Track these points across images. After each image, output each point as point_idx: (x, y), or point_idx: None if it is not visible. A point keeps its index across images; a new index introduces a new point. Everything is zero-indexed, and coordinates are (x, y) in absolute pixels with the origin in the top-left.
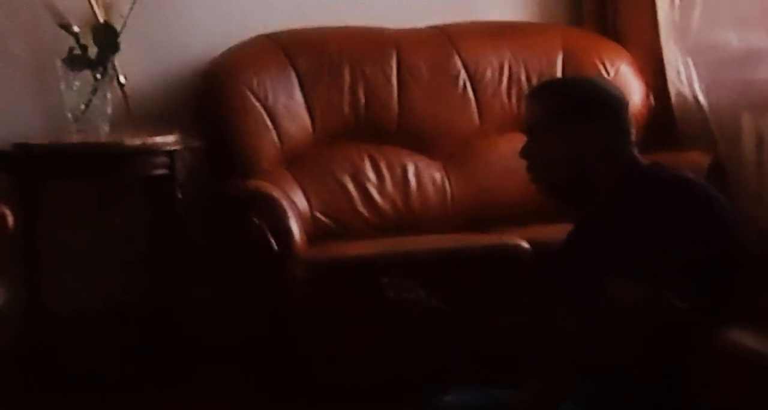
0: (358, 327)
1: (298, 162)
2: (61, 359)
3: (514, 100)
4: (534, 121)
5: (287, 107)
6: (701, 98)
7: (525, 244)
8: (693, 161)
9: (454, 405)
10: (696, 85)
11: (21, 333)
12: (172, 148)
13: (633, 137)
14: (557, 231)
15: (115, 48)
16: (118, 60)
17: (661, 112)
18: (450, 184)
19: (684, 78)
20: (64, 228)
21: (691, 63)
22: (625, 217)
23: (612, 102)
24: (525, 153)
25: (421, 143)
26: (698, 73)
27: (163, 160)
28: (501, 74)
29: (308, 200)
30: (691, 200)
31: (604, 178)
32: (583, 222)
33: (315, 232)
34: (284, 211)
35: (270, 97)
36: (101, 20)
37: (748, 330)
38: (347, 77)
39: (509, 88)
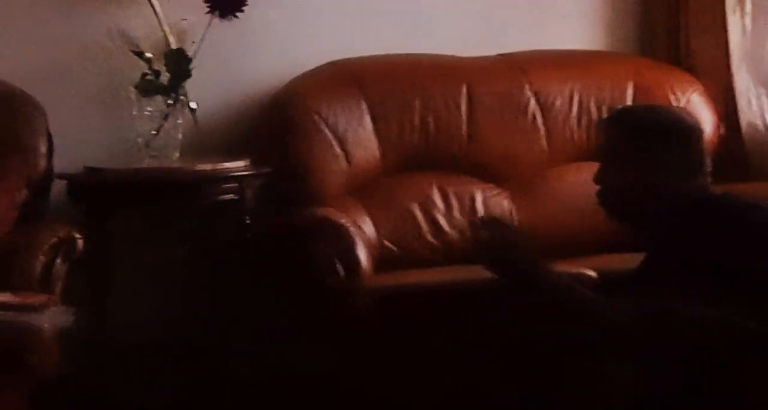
0: (426, 354)
1: (366, 190)
2: (119, 389)
3: (583, 129)
4: (609, 147)
5: (356, 135)
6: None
7: (591, 273)
8: (764, 192)
9: None
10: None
11: (83, 360)
12: (242, 173)
13: (707, 167)
14: (624, 261)
15: (187, 74)
16: (189, 86)
17: (731, 142)
18: (517, 213)
19: (755, 108)
20: (132, 254)
21: (763, 93)
22: (695, 244)
23: (687, 130)
24: (598, 178)
25: (489, 172)
26: None
27: (233, 185)
28: (571, 104)
29: (376, 228)
30: (763, 224)
31: (676, 204)
32: (654, 251)
33: (383, 260)
34: (352, 239)
35: (339, 124)
36: (174, 47)
37: None
38: (417, 105)
39: (579, 117)
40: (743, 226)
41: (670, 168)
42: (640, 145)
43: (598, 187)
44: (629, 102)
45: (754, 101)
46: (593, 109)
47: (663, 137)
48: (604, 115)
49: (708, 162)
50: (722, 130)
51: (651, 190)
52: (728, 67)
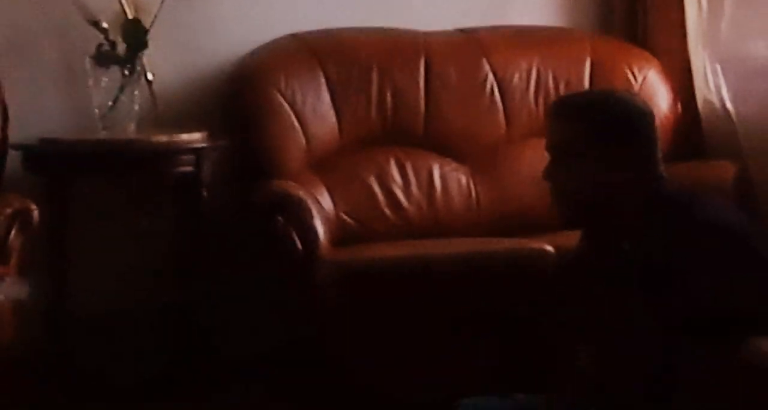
0: (384, 329)
1: (325, 164)
2: (80, 361)
3: (541, 106)
4: (557, 142)
5: (315, 109)
6: (729, 107)
7: (549, 248)
8: (719, 171)
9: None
10: (724, 93)
11: (42, 332)
12: (199, 145)
13: (660, 155)
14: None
15: (143, 45)
16: (146, 57)
17: (688, 119)
18: (476, 188)
19: (712, 86)
20: (89, 225)
21: (719, 70)
22: (648, 247)
23: (639, 122)
24: (548, 176)
25: (447, 147)
26: (727, 82)
27: (190, 158)
28: (529, 79)
29: (334, 202)
30: (724, 243)
31: (630, 202)
32: (597, 243)
33: (340, 234)
34: (310, 213)
35: (298, 98)
36: (130, 17)
37: None
38: (375, 80)
39: (537, 93)
40: (702, 237)
41: (622, 165)
42: (589, 142)
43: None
44: (587, 79)
45: (710, 78)
46: (551, 85)
47: (612, 133)
48: (562, 91)
49: (660, 151)
50: (679, 108)
51: (602, 189)
52: (685, 45)
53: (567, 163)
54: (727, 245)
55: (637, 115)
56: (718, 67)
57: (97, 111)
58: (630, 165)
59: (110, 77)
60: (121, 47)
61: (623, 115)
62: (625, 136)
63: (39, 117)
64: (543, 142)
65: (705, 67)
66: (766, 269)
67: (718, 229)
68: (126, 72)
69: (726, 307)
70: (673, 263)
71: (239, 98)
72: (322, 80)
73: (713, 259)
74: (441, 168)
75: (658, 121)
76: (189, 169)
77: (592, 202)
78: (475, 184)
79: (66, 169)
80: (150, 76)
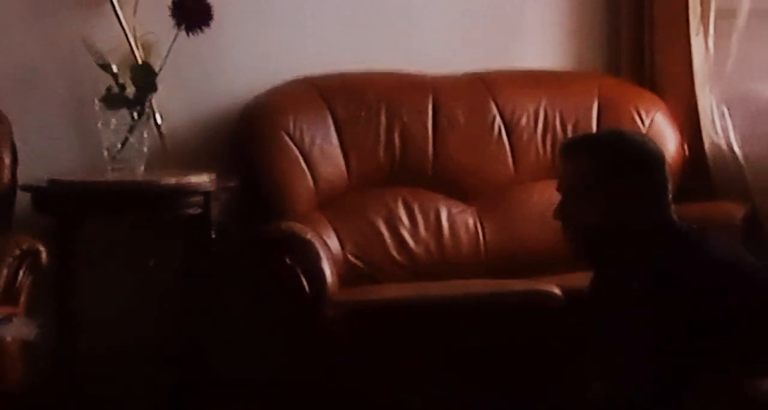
0: (391, 370)
1: (333, 205)
2: (88, 399)
3: (549, 147)
4: (568, 182)
5: (323, 150)
6: (736, 149)
7: (557, 291)
8: (726, 212)
9: None
10: (731, 135)
11: (49, 371)
12: (207, 188)
13: (670, 195)
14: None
15: (152, 88)
16: (155, 100)
17: (695, 161)
18: (483, 230)
19: (719, 128)
20: (97, 265)
21: (726, 113)
22: (657, 283)
23: (650, 160)
24: (560, 214)
25: (455, 188)
26: (734, 124)
27: (198, 199)
28: (536, 121)
29: (341, 243)
30: (730, 281)
31: (640, 239)
32: (609, 279)
33: (347, 275)
34: (317, 253)
35: (306, 139)
36: (140, 60)
37: None
38: (384, 122)
39: (544, 135)
40: (710, 277)
41: (632, 203)
42: (599, 181)
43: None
44: (594, 121)
45: (717, 120)
46: (558, 127)
47: (623, 171)
48: (570, 132)
49: (671, 190)
50: (686, 150)
51: (613, 226)
52: (692, 87)
53: (578, 201)
54: (732, 282)
55: (648, 153)
56: (725, 109)
57: (106, 152)
58: (641, 202)
59: (119, 119)
60: (131, 90)
61: (635, 153)
62: (636, 174)
63: (48, 158)
64: (551, 183)
65: (712, 109)
66: None
67: (725, 267)
68: (135, 114)
69: (729, 342)
70: (680, 297)
71: (248, 140)
72: (330, 121)
73: (718, 295)
74: (448, 209)
75: (668, 170)
76: (197, 210)
77: (603, 238)
78: (482, 226)
79: (75, 209)
80: (159, 119)
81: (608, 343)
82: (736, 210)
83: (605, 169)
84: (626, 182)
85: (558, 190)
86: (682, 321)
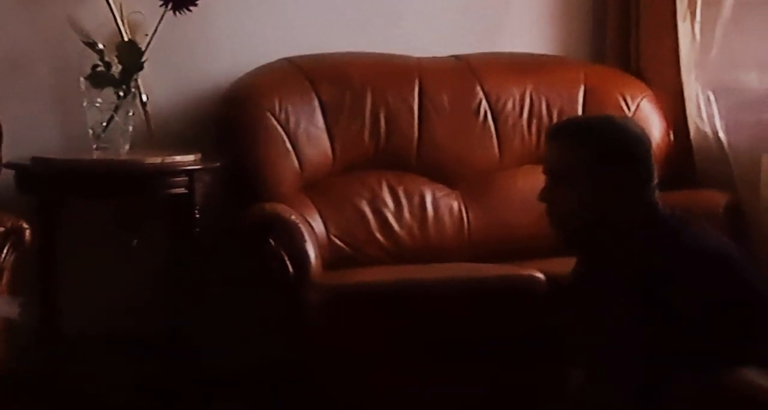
0: (374, 352)
1: (317, 187)
2: (69, 381)
3: (534, 132)
4: (554, 165)
5: (308, 132)
6: (721, 136)
7: (540, 275)
8: (710, 200)
9: None
10: (717, 123)
11: (32, 351)
12: (192, 167)
13: (655, 181)
14: (572, 264)
15: (138, 67)
16: (141, 79)
17: (680, 148)
18: (467, 214)
19: (705, 115)
20: (81, 245)
21: (712, 99)
22: (639, 269)
23: (636, 147)
24: (544, 197)
25: (440, 172)
26: (719, 112)
27: (183, 179)
28: (522, 107)
29: (326, 225)
30: (710, 269)
31: (623, 226)
32: (590, 265)
33: (331, 258)
34: (301, 236)
35: (291, 121)
36: (126, 39)
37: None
38: (369, 104)
39: (529, 120)
40: (691, 262)
41: (618, 188)
42: (586, 166)
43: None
44: (580, 107)
45: (703, 107)
46: (544, 113)
47: (609, 157)
48: (555, 118)
49: (656, 176)
50: (671, 137)
51: (598, 211)
52: (678, 73)
53: (564, 186)
54: (712, 271)
55: (635, 140)
56: (711, 97)
57: (91, 131)
58: (625, 189)
59: (105, 98)
60: (117, 68)
61: (621, 140)
62: (622, 161)
63: (33, 136)
64: (535, 168)
65: (698, 97)
66: (750, 296)
67: (705, 255)
68: (121, 93)
69: (711, 332)
70: (660, 287)
71: (232, 120)
72: (316, 104)
73: (699, 285)
74: (433, 193)
75: (653, 156)
76: (182, 190)
77: (587, 224)
78: (466, 210)
79: (59, 188)
80: (144, 98)
81: (587, 332)
82: (720, 199)
83: (590, 154)
84: (611, 169)
85: (544, 172)
86: (663, 311)
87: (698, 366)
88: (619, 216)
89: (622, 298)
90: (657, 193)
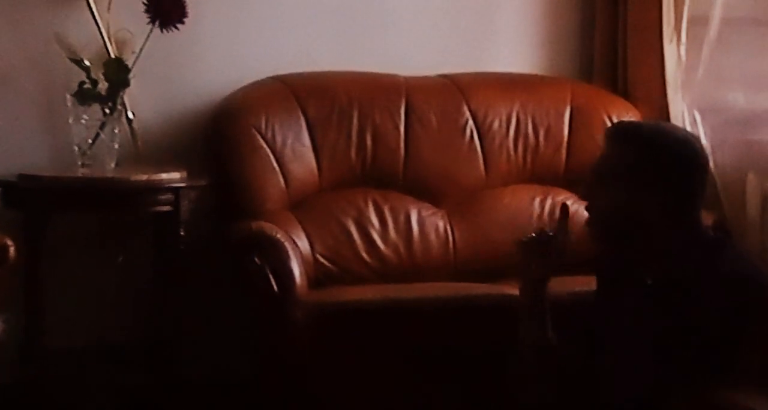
0: (358, 370)
1: (303, 205)
2: (56, 395)
3: (520, 151)
4: (606, 165)
5: (294, 150)
6: (707, 156)
7: None
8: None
9: None
10: (703, 141)
11: (17, 366)
12: (178, 185)
13: (701, 202)
14: (557, 284)
15: (125, 84)
16: (127, 96)
17: None
18: (453, 233)
19: None
20: (66, 262)
21: (698, 118)
22: (670, 285)
23: (696, 164)
24: (587, 195)
25: (426, 191)
26: (705, 131)
27: (168, 197)
28: (509, 126)
29: (311, 243)
30: (743, 297)
31: (662, 239)
32: (622, 275)
33: (317, 276)
34: (286, 253)
35: (278, 139)
36: (113, 56)
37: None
38: (355, 123)
39: (516, 139)
40: (734, 293)
41: (665, 205)
42: (640, 174)
43: (586, 204)
44: (566, 127)
45: (689, 127)
46: (530, 132)
47: (666, 171)
48: (541, 137)
49: (703, 196)
50: None
51: (638, 223)
52: (664, 94)
53: (611, 187)
54: (745, 299)
55: (697, 157)
56: (697, 116)
57: (77, 148)
58: (672, 203)
59: (91, 114)
60: (103, 85)
61: (684, 153)
62: (678, 174)
63: (18, 153)
64: (521, 187)
65: (683, 116)
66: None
67: (739, 282)
68: (107, 110)
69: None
70: (689, 309)
71: (219, 138)
72: (302, 121)
73: (728, 312)
74: (419, 211)
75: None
76: (167, 207)
77: (625, 230)
78: (452, 229)
79: (44, 205)
80: (131, 115)
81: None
82: (705, 218)
83: (650, 164)
84: (663, 180)
85: (593, 170)
86: (684, 329)
87: (697, 383)
88: (658, 228)
89: (648, 308)
90: (701, 213)
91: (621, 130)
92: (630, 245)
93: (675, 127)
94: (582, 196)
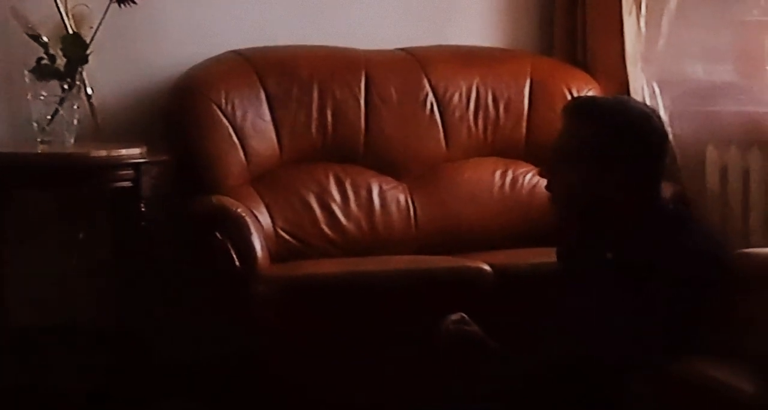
0: (322, 345)
1: (264, 180)
2: (14, 372)
3: (480, 125)
4: (565, 142)
5: (255, 125)
6: (667, 128)
7: (487, 267)
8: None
9: None
10: (662, 114)
11: None
12: (138, 160)
13: (662, 176)
14: (519, 256)
15: (83, 60)
16: (86, 72)
17: None
18: (414, 207)
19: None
20: (25, 238)
21: (657, 91)
22: (632, 259)
23: (655, 141)
24: (547, 172)
25: (387, 165)
26: (665, 103)
27: (128, 172)
28: (468, 99)
29: (272, 218)
30: (703, 270)
31: (623, 214)
32: (581, 247)
33: (278, 250)
34: (248, 228)
35: (238, 114)
36: (71, 31)
37: (709, 360)
38: (316, 97)
39: (476, 112)
40: (698, 267)
41: (626, 181)
42: (600, 151)
43: (545, 180)
44: (526, 100)
45: (648, 100)
46: (490, 106)
47: (627, 147)
48: (501, 110)
49: (663, 171)
50: None
51: (599, 198)
52: (624, 66)
53: (571, 164)
54: (705, 273)
55: (655, 132)
56: (656, 88)
57: (35, 124)
58: (632, 179)
59: (49, 90)
60: (61, 61)
61: (643, 129)
62: (637, 150)
63: None
64: (482, 160)
65: (643, 88)
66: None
67: (699, 256)
68: (66, 86)
69: (682, 326)
70: (650, 283)
71: (179, 113)
72: (263, 96)
73: (689, 285)
74: (380, 185)
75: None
76: (127, 183)
77: (586, 206)
78: (413, 202)
79: (3, 182)
80: (90, 91)
81: (569, 315)
82: (665, 190)
83: (610, 140)
84: (624, 156)
85: (554, 148)
86: (647, 300)
87: (659, 357)
88: (620, 203)
89: (611, 278)
90: (662, 186)
91: (578, 107)
92: (591, 221)
93: (633, 102)
94: (542, 174)
